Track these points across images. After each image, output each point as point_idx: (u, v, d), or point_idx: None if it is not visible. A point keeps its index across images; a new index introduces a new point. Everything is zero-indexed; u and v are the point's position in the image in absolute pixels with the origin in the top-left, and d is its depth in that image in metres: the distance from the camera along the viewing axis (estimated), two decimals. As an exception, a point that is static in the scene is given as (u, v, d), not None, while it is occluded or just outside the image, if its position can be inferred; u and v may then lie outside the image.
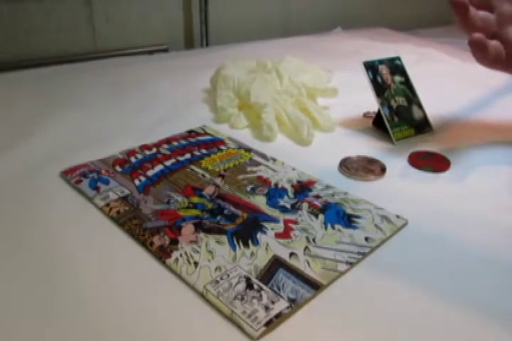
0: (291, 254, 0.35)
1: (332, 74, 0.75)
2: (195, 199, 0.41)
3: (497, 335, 0.29)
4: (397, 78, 0.57)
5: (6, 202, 0.41)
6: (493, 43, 0.42)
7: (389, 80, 0.56)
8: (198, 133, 0.55)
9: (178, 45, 1.02)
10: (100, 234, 0.38)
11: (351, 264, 0.34)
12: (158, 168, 0.47)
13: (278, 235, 0.37)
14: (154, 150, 0.50)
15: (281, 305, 0.30)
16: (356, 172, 0.47)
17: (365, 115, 0.61)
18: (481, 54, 0.42)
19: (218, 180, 0.45)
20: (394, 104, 0.55)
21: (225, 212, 0.40)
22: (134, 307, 0.31)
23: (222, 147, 0.51)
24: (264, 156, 0.50)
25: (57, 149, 0.51)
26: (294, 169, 0.47)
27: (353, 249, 0.36)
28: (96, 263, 0.34)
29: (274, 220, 0.39)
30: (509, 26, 0.43)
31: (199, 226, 0.38)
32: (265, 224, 0.39)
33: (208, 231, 0.37)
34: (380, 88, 0.55)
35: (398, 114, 0.55)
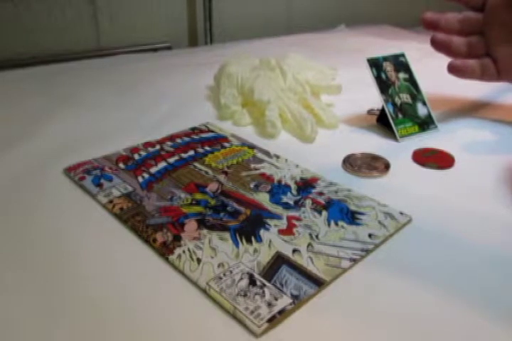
0: (295, 251, 0.35)
1: (336, 71, 0.74)
2: (199, 196, 0.41)
3: (501, 334, 0.29)
4: (402, 75, 0.57)
5: (9, 199, 0.41)
6: (472, 62, 0.52)
7: (393, 77, 0.56)
8: (201, 131, 0.55)
9: (182, 42, 1.02)
10: (103, 230, 0.38)
11: (355, 261, 0.34)
12: (162, 164, 0.47)
13: (281, 232, 0.37)
14: (157, 147, 0.50)
15: (284, 302, 0.30)
16: (360, 169, 0.47)
17: (369, 112, 0.61)
18: (462, 75, 0.53)
19: (221, 177, 0.45)
20: (398, 101, 0.55)
21: (228, 208, 0.40)
22: (136, 304, 0.31)
23: (226, 144, 0.51)
24: (267, 153, 0.50)
25: (61, 146, 0.51)
26: (297, 166, 0.47)
27: (357, 246, 0.36)
28: (99, 259, 0.34)
29: (278, 217, 0.39)
30: (498, 46, 0.51)
31: (202, 223, 0.38)
32: (268, 220, 0.38)
33: (211, 227, 0.37)
34: (384, 85, 0.55)
35: (402, 111, 0.55)
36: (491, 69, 0.52)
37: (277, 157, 0.49)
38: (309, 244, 0.36)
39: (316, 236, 0.37)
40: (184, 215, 0.39)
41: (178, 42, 1.00)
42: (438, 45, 0.52)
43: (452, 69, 0.52)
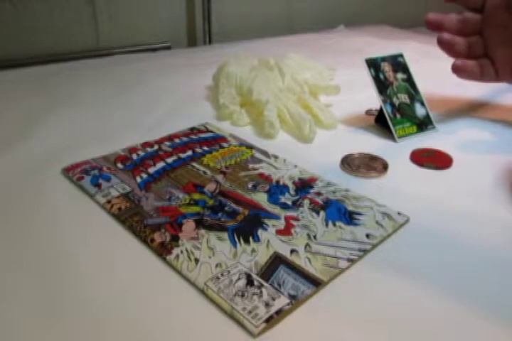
0: (292, 251, 0.35)
1: (335, 71, 0.75)
2: (197, 196, 0.41)
3: (499, 334, 0.29)
4: (400, 75, 0.57)
5: (7, 199, 0.41)
6: (471, 63, 0.52)
7: (391, 77, 0.56)
8: (200, 131, 0.55)
9: (181, 42, 1.02)
10: (101, 230, 0.38)
11: (352, 261, 0.34)
12: (160, 165, 0.47)
13: (279, 232, 0.37)
14: (156, 147, 0.50)
15: (281, 302, 0.30)
16: (358, 169, 0.47)
17: (368, 112, 0.61)
18: (463, 76, 0.53)
19: (220, 177, 0.45)
20: (396, 102, 0.55)
21: (226, 208, 0.40)
22: (134, 304, 0.31)
23: (224, 144, 0.51)
24: (265, 153, 0.50)
25: (59, 147, 0.51)
26: (295, 166, 0.47)
27: (354, 246, 0.36)
28: (97, 260, 0.34)
29: (275, 217, 0.39)
30: (497, 48, 0.51)
31: (200, 223, 0.38)
32: (266, 220, 0.38)
33: (209, 227, 0.37)
34: (382, 85, 0.55)
35: (400, 111, 0.55)
36: (490, 70, 0.52)
37: (275, 157, 0.49)
38: (307, 244, 0.36)
39: (314, 237, 0.37)
40: (182, 215, 0.39)
41: (177, 42, 1.01)
42: (444, 45, 0.52)
43: (456, 69, 0.53)
